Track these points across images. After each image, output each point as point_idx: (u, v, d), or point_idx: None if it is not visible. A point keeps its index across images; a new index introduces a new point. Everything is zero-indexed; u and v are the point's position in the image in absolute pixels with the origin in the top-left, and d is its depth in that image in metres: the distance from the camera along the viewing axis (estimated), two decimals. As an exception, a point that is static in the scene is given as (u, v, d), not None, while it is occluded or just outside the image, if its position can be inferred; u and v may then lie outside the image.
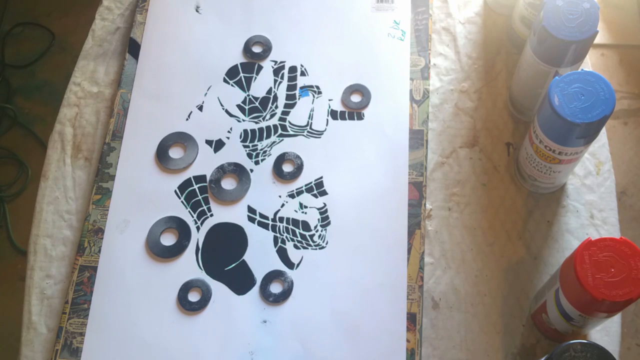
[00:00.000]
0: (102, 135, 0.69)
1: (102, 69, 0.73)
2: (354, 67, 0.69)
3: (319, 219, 0.62)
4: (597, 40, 0.58)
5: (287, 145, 0.66)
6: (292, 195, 0.63)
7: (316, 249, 0.61)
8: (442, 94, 0.69)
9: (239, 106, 0.68)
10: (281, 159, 0.65)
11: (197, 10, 0.74)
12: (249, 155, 0.66)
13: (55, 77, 1.57)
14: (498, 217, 0.63)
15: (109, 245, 0.62)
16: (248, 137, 0.67)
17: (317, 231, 0.62)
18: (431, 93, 0.69)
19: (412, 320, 0.58)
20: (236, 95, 0.69)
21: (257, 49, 0.71)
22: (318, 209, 0.63)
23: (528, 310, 0.60)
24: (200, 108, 0.68)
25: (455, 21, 0.73)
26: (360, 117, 0.67)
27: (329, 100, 0.68)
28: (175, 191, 0.64)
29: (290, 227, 0.62)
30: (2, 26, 1.65)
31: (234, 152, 0.66)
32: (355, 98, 0.68)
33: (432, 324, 0.59)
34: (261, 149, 0.66)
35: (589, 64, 0.69)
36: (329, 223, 0.62)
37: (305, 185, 0.64)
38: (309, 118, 0.67)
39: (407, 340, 0.57)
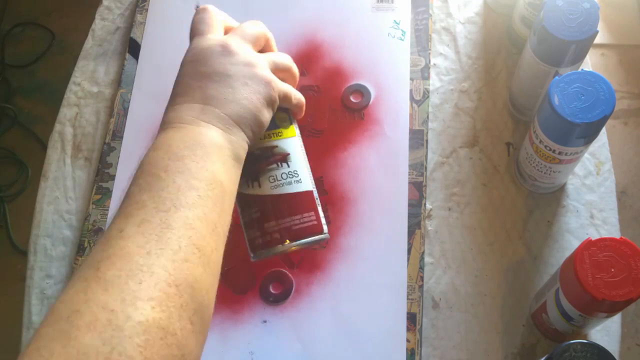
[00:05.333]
0: (102, 135, 0.69)
1: (102, 69, 0.73)
2: (354, 67, 0.69)
3: (319, 219, 0.62)
4: (597, 40, 0.58)
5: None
6: (292, 195, 0.63)
7: (316, 248, 0.61)
8: (442, 94, 0.69)
9: (239, 106, 0.68)
10: (281, 159, 0.65)
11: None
12: (249, 155, 0.65)
13: (55, 77, 1.57)
14: (498, 217, 0.63)
15: (109, 245, 0.62)
16: (248, 137, 0.66)
17: (317, 231, 0.62)
18: (431, 93, 0.69)
19: (412, 320, 0.58)
20: (236, 95, 0.69)
21: (257, 49, 0.71)
22: (318, 209, 0.63)
23: (528, 310, 0.60)
24: (200, 108, 0.68)
25: (455, 21, 0.73)
26: (360, 117, 0.67)
27: (329, 100, 0.68)
28: (175, 191, 0.64)
29: (290, 227, 0.62)
30: (2, 26, 1.65)
31: (234, 152, 0.66)
32: (355, 98, 0.68)
33: (432, 324, 0.59)
34: (261, 149, 0.66)
35: (589, 64, 0.69)
36: (329, 223, 0.62)
37: (305, 185, 0.64)
38: (309, 118, 0.67)
39: (407, 340, 0.57)
